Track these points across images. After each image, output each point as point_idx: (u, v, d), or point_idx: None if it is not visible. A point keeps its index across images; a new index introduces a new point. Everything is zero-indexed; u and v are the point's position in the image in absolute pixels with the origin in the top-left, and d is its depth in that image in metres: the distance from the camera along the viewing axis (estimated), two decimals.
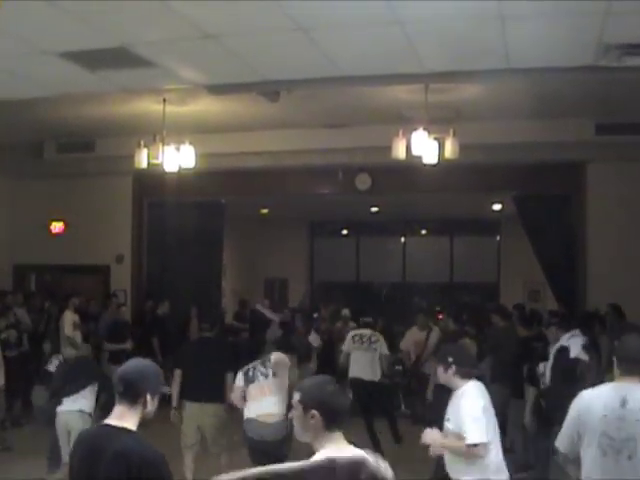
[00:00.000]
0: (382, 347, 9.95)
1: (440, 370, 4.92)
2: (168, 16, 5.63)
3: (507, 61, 6.73)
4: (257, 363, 7.26)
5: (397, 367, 12.09)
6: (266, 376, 7.10)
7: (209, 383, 7.54)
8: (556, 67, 6.92)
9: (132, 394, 3.39)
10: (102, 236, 12.88)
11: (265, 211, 17.09)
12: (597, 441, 3.88)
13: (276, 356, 7.24)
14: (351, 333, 10.32)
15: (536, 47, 6.34)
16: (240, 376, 7.25)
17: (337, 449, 2.98)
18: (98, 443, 3.35)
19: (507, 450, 8.85)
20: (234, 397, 7.23)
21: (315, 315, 14.90)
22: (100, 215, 12.88)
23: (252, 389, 7.10)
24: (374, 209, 16.52)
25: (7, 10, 5.00)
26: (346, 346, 10.12)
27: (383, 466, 2.96)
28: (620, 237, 10.77)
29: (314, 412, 3.03)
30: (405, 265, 19.78)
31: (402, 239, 20.17)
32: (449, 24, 5.85)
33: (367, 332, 10.08)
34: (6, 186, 13.23)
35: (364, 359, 9.77)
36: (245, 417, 7.05)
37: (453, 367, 4.82)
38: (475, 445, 4.59)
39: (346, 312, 13.45)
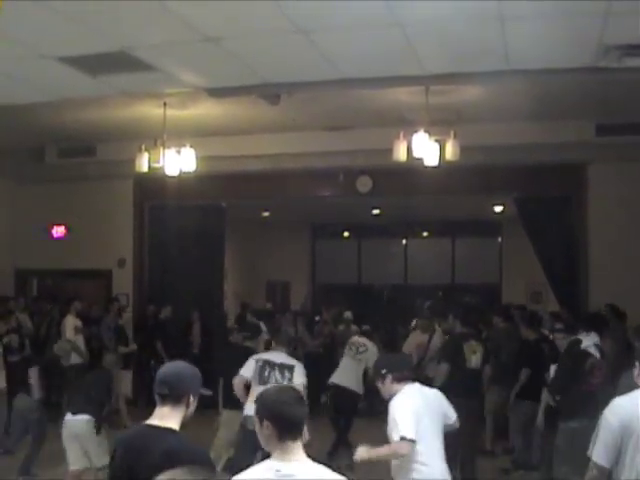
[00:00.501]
0: (369, 359, 9.37)
1: (379, 385, 4.83)
2: (168, 19, 5.64)
3: (507, 62, 6.74)
4: (275, 366, 7.16)
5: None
6: (277, 382, 6.99)
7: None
8: (556, 68, 6.93)
9: (176, 395, 3.47)
10: (104, 240, 12.88)
11: (266, 214, 17.08)
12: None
13: (302, 369, 7.24)
14: (350, 339, 10.25)
15: (536, 48, 6.34)
16: (252, 366, 7.16)
17: (282, 461, 2.97)
18: (141, 443, 3.41)
19: (509, 451, 8.94)
20: (236, 385, 7.20)
21: (317, 318, 14.89)
22: (101, 219, 12.88)
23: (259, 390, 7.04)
24: (375, 211, 16.51)
25: (7, 14, 5.00)
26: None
27: None
28: (621, 238, 10.76)
29: (267, 423, 3.03)
30: (407, 267, 19.76)
31: (403, 241, 20.15)
32: (449, 26, 5.86)
33: (360, 341, 9.96)
34: (7, 190, 13.23)
35: (348, 367, 9.66)
36: (246, 413, 6.87)
37: (388, 376, 4.74)
38: (402, 439, 4.41)
39: (348, 315, 13.44)
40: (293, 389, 3.24)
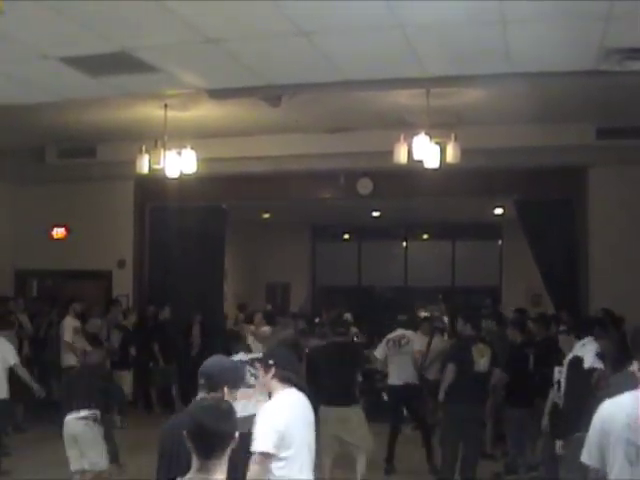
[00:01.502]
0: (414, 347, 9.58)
1: (261, 372, 4.56)
2: (169, 20, 5.63)
3: (508, 65, 6.74)
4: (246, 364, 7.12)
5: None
6: (256, 377, 7.03)
7: (345, 386, 7.72)
8: (557, 71, 6.93)
9: (211, 386, 3.72)
10: (104, 241, 12.88)
11: (267, 215, 17.08)
12: (623, 451, 3.77)
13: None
14: (388, 337, 9.72)
15: (537, 51, 6.34)
16: None
17: None
18: (178, 432, 3.48)
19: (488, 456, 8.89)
20: None
21: (317, 320, 14.87)
22: (102, 220, 12.88)
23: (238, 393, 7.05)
24: (376, 213, 16.50)
25: (9, 15, 5.00)
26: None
27: None
28: (621, 241, 10.76)
29: (186, 436, 2.84)
30: (407, 269, 19.76)
31: (404, 243, 20.16)
32: (450, 28, 5.86)
33: (398, 335, 9.60)
34: (8, 191, 13.23)
35: (399, 364, 9.38)
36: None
37: (273, 370, 4.44)
38: (260, 453, 4.12)
39: (348, 316, 13.42)
40: (221, 401, 2.95)
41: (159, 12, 5.45)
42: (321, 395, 7.65)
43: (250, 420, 7.00)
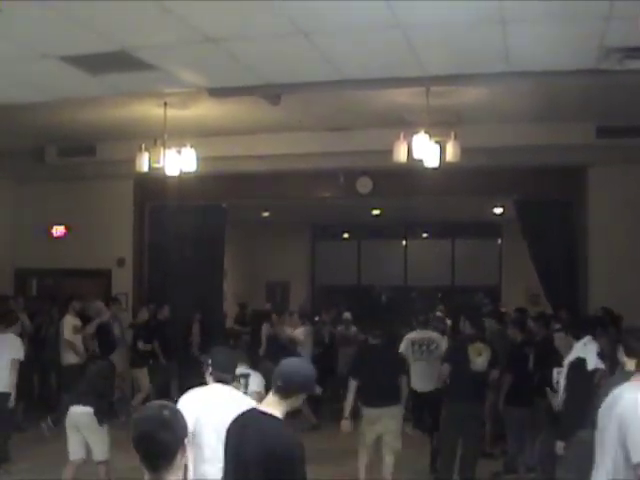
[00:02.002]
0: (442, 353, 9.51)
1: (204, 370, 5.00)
2: (168, 20, 5.63)
3: (508, 64, 6.73)
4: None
5: None
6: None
7: (387, 388, 7.77)
8: (557, 70, 6.92)
9: (286, 389, 3.86)
10: (103, 240, 12.88)
11: (266, 214, 17.09)
12: None
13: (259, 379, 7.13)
14: (410, 337, 9.73)
15: (537, 50, 6.34)
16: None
17: None
18: (247, 424, 3.90)
19: (487, 455, 8.87)
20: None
21: (316, 319, 14.89)
22: (101, 219, 12.88)
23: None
24: (375, 212, 16.51)
25: (7, 14, 5.01)
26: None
27: None
28: (622, 240, 10.76)
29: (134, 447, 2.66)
30: (406, 268, 19.77)
31: (403, 242, 20.17)
32: (450, 27, 5.85)
33: (425, 337, 9.68)
34: (8, 190, 13.23)
35: (426, 371, 9.38)
36: None
37: (209, 369, 4.92)
38: None
39: (347, 315, 13.44)
40: (164, 407, 2.72)
41: (159, 11, 5.45)
42: (365, 395, 7.85)
43: None
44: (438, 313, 13.36)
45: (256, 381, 7.10)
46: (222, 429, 4.17)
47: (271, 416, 3.85)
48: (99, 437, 7.13)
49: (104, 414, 7.20)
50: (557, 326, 7.90)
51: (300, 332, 12.06)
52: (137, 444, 2.61)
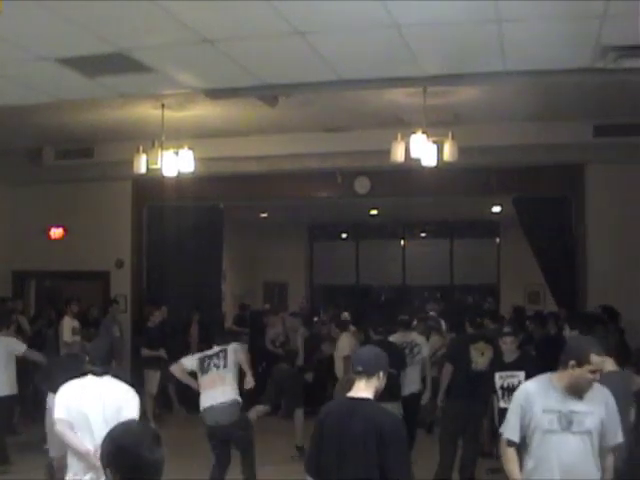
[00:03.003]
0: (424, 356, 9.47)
1: None
2: (166, 21, 5.63)
3: (504, 63, 6.74)
4: (213, 354, 7.69)
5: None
6: (218, 367, 7.57)
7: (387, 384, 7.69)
8: (554, 69, 6.93)
9: (368, 372, 4.24)
10: (102, 241, 12.88)
11: (264, 215, 17.09)
12: None
13: (235, 346, 7.85)
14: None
15: (534, 49, 6.35)
16: (194, 361, 7.77)
17: None
18: (346, 411, 4.23)
19: (486, 454, 8.87)
20: (175, 371, 7.89)
21: (315, 319, 14.91)
22: (99, 220, 12.88)
23: (204, 380, 7.58)
24: (373, 212, 16.52)
25: (5, 16, 5.00)
26: None
27: None
28: (619, 238, 10.78)
29: (109, 470, 2.51)
30: (405, 268, 19.77)
31: (402, 242, 20.16)
32: (446, 27, 5.86)
33: (408, 339, 9.47)
34: (5, 192, 13.23)
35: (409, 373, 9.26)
36: (202, 407, 7.53)
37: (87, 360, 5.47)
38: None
39: (346, 315, 13.44)
40: (151, 428, 2.64)
41: (155, 13, 5.44)
42: None
43: (227, 411, 7.31)
44: (432, 313, 13.34)
45: (234, 348, 7.82)
46: (91, 416, 4.96)
47: (366, 400, 4.23)
48: None
49: None
50: (506, 329, 7.85)
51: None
52: (120, 463, 2.45)
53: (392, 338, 9.07)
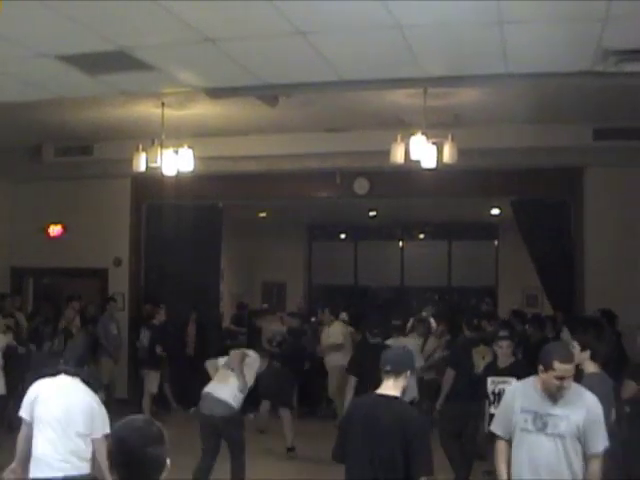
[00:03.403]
0: None
1: None
2: (167, 20, 5.64)
3: (505, 66, 6.75)
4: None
5: None
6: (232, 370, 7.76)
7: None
8: (554, 72, 6.94)
9: (396, 371, 4.48)
10: (100, 239, 12.87)
11: (263, 215, 17.08)
12: None
13: (232, 353, 8.02)
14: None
15: (535, 52, 6.36)
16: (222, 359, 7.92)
17: None
18: (375, 407, 4.48)
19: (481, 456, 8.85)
20: (210, 367, 7.93)
21: (313, 319, 14.90)
22: (98, 218, 12.86)
23: (222, 373, 7.74)
24: (372, 213, 16.51)
25: (6, 13, 5.00)
26: None
27: None
28: (618, 242, 10.78)
29: (115, 470, 2.53)
30: (403, 269, 19.77)
31: (400, 243, 20.16)
32: (448, 28, 5.86)
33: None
34: (4, 189, 13.21)
35: None
36: (202, 391, 7.62)
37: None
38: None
39: (344, 316, 13.43)
40: (150, 422, 2.58)
41: (157, 11, 5.45)
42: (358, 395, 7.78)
43: (222, 404, 7.35)
44: (424, 314, 13.29)
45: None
46: (57, 414, 4.87)
47: (394, 397, 4.49)
48: None
49: None
50: (502, 333, 7.86)
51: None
52: (123, 461, 2.44)
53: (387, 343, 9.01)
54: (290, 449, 9.64)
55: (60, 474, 4.79)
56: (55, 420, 4.92)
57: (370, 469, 4.35)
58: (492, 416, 6.16)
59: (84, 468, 4.92)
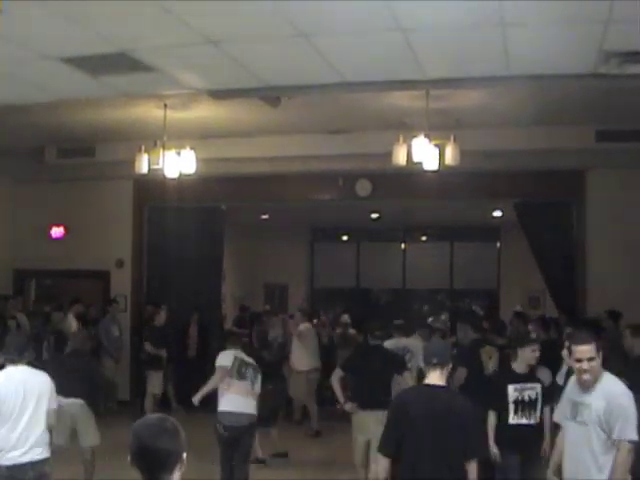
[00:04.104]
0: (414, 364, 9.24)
1: None
2: (169, 21, 5.64)
3: (508, 68, 6.75)
4: (250, 364, 7.70)
5: None
6: (252, 383, 7.63)
7: (377, 390, 7.63)
8: (557, 74, 6.94)
9: (442, 363, 4.80)
10: (102, 241, 12.88)
11: (265, 217, 17.08)
12: None
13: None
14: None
15: (537, 54, 6.36)
16: (231, 359, 7.62)
17: None
18: (425, 397, 4.78)
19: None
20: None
21: (315, 321, 14.90)
22: (100, 220, 12.88)
23: (240, 385, 7.53)
24: (374, 215, 16.51)
25: (8, 15, 5.01)
26: None
27: None
28: (620, 244, 10.77)
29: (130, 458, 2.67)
30: (405, 271, 19.76)
31: (402, 245, 20.15)
32: (450, 31, 5.87)
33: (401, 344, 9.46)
34: (7, 190, 13.23)
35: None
36: (222, 409, 7.46)
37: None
38: None
39: (346, 318, 13.43)
40: (166, 420, 2.72)
41: (159, 13, 5.46)
42: (355, 395, 7.79)
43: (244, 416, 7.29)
44: (442, 317, 13.27)
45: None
46: (10, 404, 5.24)
47: (444, 387, 4.85)
48: (89, 425, 7.60)
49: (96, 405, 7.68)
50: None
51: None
52: (138, 454, 2.61)
53: (387, 344, 8.88)
54: (280, 454, 9.60)
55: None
56: (23, 407, 5.36)
57: (430, 456, 4.57)
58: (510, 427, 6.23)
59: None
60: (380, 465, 4.95)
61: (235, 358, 7.61)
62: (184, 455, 2.67)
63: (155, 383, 11.52)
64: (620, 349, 8.03)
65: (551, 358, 7.69)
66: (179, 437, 2.67)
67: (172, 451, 2.62)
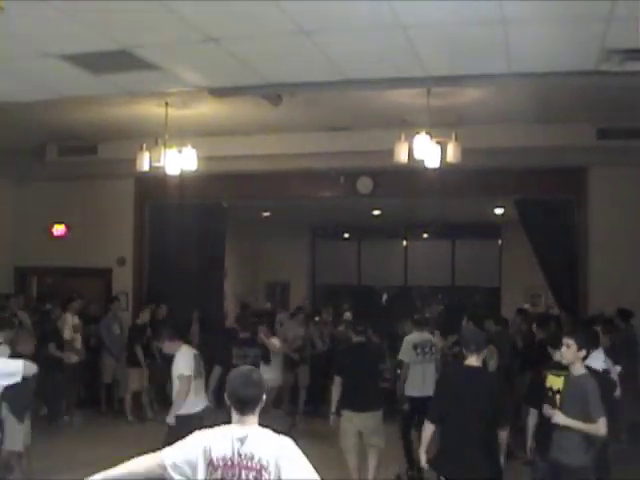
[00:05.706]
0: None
1: None
2: (170, 19, 5.65)
3: (509, 65, 6.75)
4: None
5: (399, 371, 11.99)
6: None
7: (368, 390, 7.69)
8: (558, 71, 6.94)
9: (479, 349, 5.71)
10: (104, 239, 12.89)
11: (267, 214, 17.07)
12: None
13: None
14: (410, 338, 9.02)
15: (538, 51, 6.36)
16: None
17: (238, 427, 3.60)
18: (466, 376, 5.72)
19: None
20: None
21: (316, 318, 14.89)
22: (102, 218, 12.88)
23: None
24: (376, 212, 16.49)
25: (10, 13, 5.01)
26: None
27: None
28: (621, 241, 10.77)
29: (226, 398, 3.66)
30: (407, 269, 19.76)
31: (404, 243, 20.14)
32: (451, 28, 5.87)
33: (425, 339, 8.98)
34: (8, 189, 13.24)
35: (426, 374, 8.69)
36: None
37: None
38: None
39: (348, 315, 13.42)
40: (253, 371, 3.76)
41: (160, 11, 5.46)
42: (344, 397, 7.73)
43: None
44: (427, 314, 13.25)
45: None
46: None
47: (479, 368, 5.83)
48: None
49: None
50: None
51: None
52: (231, 395, 3.62)
53: (410, 337, 8.83)
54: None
55: None
56: None
57: (468, 422, 5.47)
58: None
59: None
60: (427, 430, 5.77)
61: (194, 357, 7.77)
62: (264, 397, 3.66)
63: (134, 379, 11.62)
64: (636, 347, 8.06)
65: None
66: (262, 386, 3.68)
67: (256, 395, 3.63)
